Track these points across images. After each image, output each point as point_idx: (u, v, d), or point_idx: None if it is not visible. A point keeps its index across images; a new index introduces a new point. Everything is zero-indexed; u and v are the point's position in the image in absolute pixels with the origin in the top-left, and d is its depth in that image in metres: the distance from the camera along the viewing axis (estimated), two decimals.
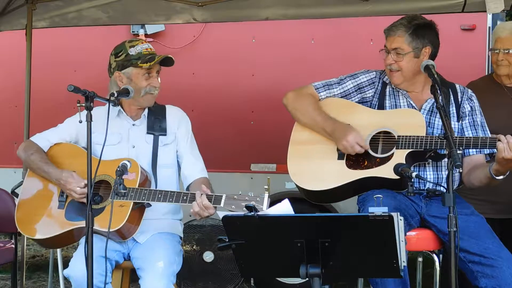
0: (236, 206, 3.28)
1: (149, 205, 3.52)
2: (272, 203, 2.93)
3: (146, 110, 3.77)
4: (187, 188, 3.73)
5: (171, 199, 3.43)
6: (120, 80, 3.69)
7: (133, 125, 3.76)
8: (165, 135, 3.75)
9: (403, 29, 3.58)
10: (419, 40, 3.58)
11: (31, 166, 3.77)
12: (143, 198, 3.46)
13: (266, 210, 2.87)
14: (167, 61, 3.70)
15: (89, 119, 3.20)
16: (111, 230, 3.30)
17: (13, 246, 4.41)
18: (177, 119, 3.81)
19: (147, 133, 3.74)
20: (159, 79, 3.72)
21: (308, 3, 5.02)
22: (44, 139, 3.82)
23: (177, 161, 3.80)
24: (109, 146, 3.60)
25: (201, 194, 3.36)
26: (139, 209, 3.54)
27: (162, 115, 3.79)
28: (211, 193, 3.39)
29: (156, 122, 3.76)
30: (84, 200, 3.55)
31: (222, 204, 3.31)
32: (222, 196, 3.34)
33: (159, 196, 3.45)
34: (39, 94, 5.36)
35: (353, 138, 3.53)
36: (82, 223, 3.52)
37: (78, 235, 3.63)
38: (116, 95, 3.40)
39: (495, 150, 3.33)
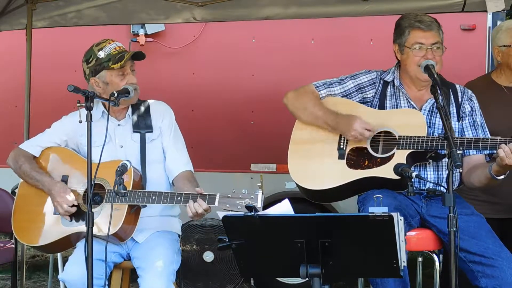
0: (230, 204, 3.26)
1: (145, 205, 3.51)
2: (272, 203, 2.93)
3: (130, 109, 3.75)
4: (172, 182, 3.72)
5: (165, 200, 3.42)
6: (97, 86, 3.65)
7: (118, 125, 3.74)
8: (151, 131, 3.73)
9: (436, 24, 3.60)
10: (443, 36, 3.61)
11: (22, 176, 3.75)
12: (138, 200, 3.45)
13: (266, 210, 2.87)
14: (139, 56, 3.68)
15: (89, 119, 3.20)
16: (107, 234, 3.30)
17: (13, 246, 4.41)
18: (161, 113, 3.78)
19: (133, 131, 3.72)
20: (134, 75, 3.67)
21: (308, 2, 5.02)
22: (34, 145, 3.80)
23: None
24: (98, 148, 3.55)
25: (198, 197, 3.33)
26: (135, 211, 3.54)
27: (146, 111, 3.76)
28: (204, 192, 3.37)
29: (141, 120, 3.73)
30: (67, 217, 3.56)
31: (216, 204, 3.30)
32: (216, 195, 3.32)
33: (153, 197, 3.44)
34: (39, 94, 5.36)
35: (359, 125, 3.52)
36: (78, 228, 3.53)
37: (75, 239, 3.62)
38: (116, 95, 3.40)
39: (495, 151, 3.34)
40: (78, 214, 3.57)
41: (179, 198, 3.40)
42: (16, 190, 4.45)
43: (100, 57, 3.62)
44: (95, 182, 3.52)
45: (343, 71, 3.85)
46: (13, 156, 3.79)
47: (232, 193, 3.28)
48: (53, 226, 3.62)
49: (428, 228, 3.55)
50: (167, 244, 3.59)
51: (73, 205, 3.55)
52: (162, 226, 3.69)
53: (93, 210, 3.48)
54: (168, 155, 3.74)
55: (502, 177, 3.39)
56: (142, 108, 3.77)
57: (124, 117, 3.75)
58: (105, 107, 3.71)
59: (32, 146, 3.80)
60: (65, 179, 3.67)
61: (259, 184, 3.17)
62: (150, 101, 3.82)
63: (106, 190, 3.51)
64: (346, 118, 3.59)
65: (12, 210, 3.78)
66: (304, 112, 3.72)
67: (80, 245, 3.58)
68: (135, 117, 3.74)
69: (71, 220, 3.57)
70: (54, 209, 3.63)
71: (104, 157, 3.52)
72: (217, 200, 3.31)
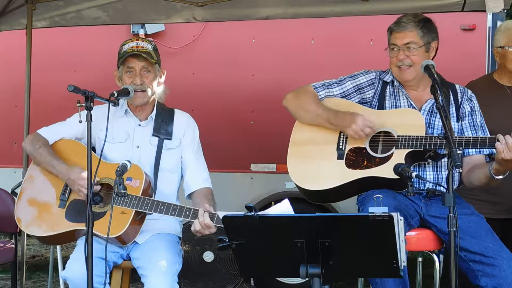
0: None
1: (151, 213, 3.52)
2: (272, 203, 2.93)
3: (154, 112, 3.77)
4: (188, 196, 3.73)
5: (173, 213, 3.43)
6: (117, 79, 3.76)
7: (139, 125, 3.76)
8: (170, 139, 3.74)
9: (413, 24, 3.59)
10: (428, 34, 3.60)
11: (38, 159, 3.74)
12: (145, 208, 3.46)
13: (266, 210, 2.87)
14: (149, 58, 3.70)
15: (89, 119, 3.20)
16: (111, 236, 3.31)
17: (13, 246, 4.41)
18: (184, 126, 3.80)
19: (153, 135, 3.74)
20: (149, 77, 3.69)
21: (308, 1, 5.02)
22: (51, 132, 3.81)
23: (181, 167, 3.79)
24: (115, 144, 3.62)
25: (204, 212, 3.35)
26: (141, 217, 3.54)
27: (170, 119, 3.78)
28: (214, 211, 3.38)
29: (163, 125, 3.75)
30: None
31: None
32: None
33: (162, 207, 3.45)
34: (39, 94, 5.36)
35: (362, 121, 3.52)
36: (81, 225, 3.52)
37: (77, 235, 3.63)
38: (116, 95, 3.40)
39: (495, 150, 3.34)
40: (83, 211, 3.57)
41: (187, 213, 3.41)
42: (16, 189, 4.46)
43: (120, 52, 3.71)
44: (104, 182, 3.59)
45: (343, 71, 3.85)
46: (31, 139, 3.81)
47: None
48: (57, 219, 3.63)
49: (428, 228, 3.55)
50: (168, 245, 3.59)
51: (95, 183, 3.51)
52: (163, 228, 3.70)
53: (99, 210, 3.51)
54: (189, 170, 3.75)
55: (501, 177, 3.39)
56: (167, 115, 3.79)
57: (146, 119, 3.77)
58: (128, 106, 3.76)
59: (49, 133, 3.81)
60: None
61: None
62: (177, 110, 3.85)
63: (113, 187, 3.51)
64: (348, 114, 3.59)
65: (18, 194, 3.80)
66: (304, 112, 3.73)
67: (81, 243, 3.58)
68: (158, 121, 3.76)
69: (97, 204, 3.54)
70: (60, 202, 3.64)
71: (119, 155, 3.62)
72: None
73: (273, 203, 2.92)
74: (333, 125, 3.64)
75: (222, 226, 2.74)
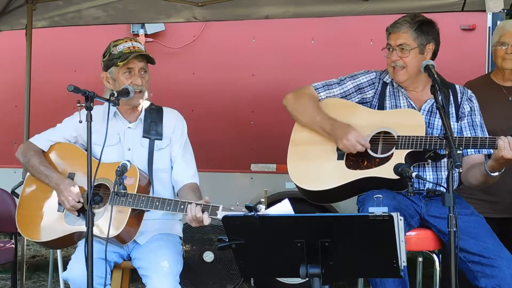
0: None
1: (148, 210, 3.52)
2: (272, 203, 2.93)
3: (143, 113, 3.75)
4: (177, 193, 3.73)
5: (168, 207, 3.43)
6: (107, 80, 3.70)
7: (128, 127, 3.75)
8: (161, 139, 3.73)
9: (408, 25, 3.59)
10: (423, 36, 3.60)
11: (30, 170, 3.76)
12: (141, 205, 3.46)
13: (266, 210, 2.87)
14: (150, 59, 3.69)
15: (89, 119, 3.20)
16: (109, 236, 3.30)
17: (13, 246, 4.41)
18: (173, 123, 3.78)
19: (143, 136, 3.72)
20: (146, 77, 3.68)
21: (308, 1, 5.03)
22: (44, 139, 3.81)
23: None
24: (107, 147, 3.60)
25: (196, 205, 3.34)
26: (138, 214, 3.54)
27: (158, 118, 3.76)
28: (209, 203, 3.37)
29: (153, 126, 3.74)
30: (74, 212, 3.57)
31: (218, 216, 3.30)
32: (219, 207, 3.32)
33: (157, 203, 3.44)
34: (39, 94, 5.36)
35: (354, 136, 3.53)
36: (81, 228, 3.53)
37: (78, 238, 3.63)
38: (116, 95, 3.40)
39: (493, 150, 3.33)
40: (81, 214, 3.57)
41: (182, 207, 3.40)
42: (16, 190, 4.46)
43: (113, 53, 3.67)
44: (100, 182, 3.57)
45: (343, 71, 3.85)
46: (23, 149, 3.81)
47: (235, 206, 3.29)
48: (56, 224, 3.63)
49: (428, 228, 3.55)
50: (170, 245, 3.59)
51: (79, 201, 3.55)
52: (164, 229, 3.69)
53: (97, 211, 3.50)
54: (176, 166, 3.74)
55: (496, 173, 3.38)
56: (156, 115, 3.77)
57: (135, 120, 3.76)
58: (117, 108, 3.71)
59: (42, 140, 3.81)
60: (71, 177, 3.68)
61: (263, 200, 3.16)
62: (165, 109, 3.83)
63: (112, 186, 3.51)
64: (343, 127, 3.59)
65: (18, 201, 3.80)
66: (302, 115, 3.73)
67: (82, 244, 3.58)
68: (147, 122, 3.74)
69: (78, 215, 3.56)
70: (58, 206, 3.64)
71: (112, 158, 3.60)
72: (219, 212, 3.31)
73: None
74: (327, 134, 3.65)
75: (221, 224, 2.73)
